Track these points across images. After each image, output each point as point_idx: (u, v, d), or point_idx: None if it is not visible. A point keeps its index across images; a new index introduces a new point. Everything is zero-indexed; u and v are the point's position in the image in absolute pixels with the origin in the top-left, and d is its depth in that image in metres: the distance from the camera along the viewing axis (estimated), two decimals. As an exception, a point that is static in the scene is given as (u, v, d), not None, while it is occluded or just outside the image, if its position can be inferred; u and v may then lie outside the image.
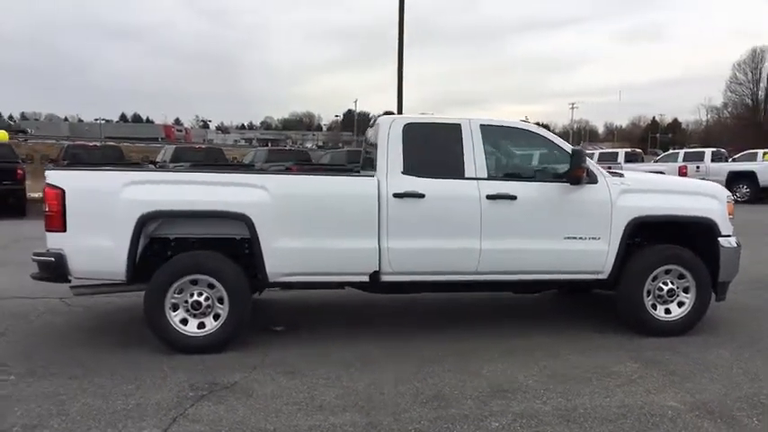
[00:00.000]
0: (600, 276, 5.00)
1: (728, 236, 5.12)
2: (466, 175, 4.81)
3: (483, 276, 4.87)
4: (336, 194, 4.67)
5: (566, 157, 4.99)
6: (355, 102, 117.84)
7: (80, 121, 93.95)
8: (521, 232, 4.83)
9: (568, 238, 4.88)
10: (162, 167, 16.60)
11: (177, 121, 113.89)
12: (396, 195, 4.66)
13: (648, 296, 5.02)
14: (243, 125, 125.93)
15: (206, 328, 4.57)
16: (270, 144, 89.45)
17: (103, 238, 4.43)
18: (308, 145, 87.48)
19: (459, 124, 4.94)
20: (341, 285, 5.07)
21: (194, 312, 4.55)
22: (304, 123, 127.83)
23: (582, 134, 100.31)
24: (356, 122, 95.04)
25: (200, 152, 17.36)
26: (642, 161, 24.68)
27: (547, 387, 3.97)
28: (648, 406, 3.66)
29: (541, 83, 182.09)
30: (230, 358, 4.48)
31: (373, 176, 4.75)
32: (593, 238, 4.90)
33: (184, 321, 4.57)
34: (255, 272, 4.69)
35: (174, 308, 4.55)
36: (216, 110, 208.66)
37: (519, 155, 5.35)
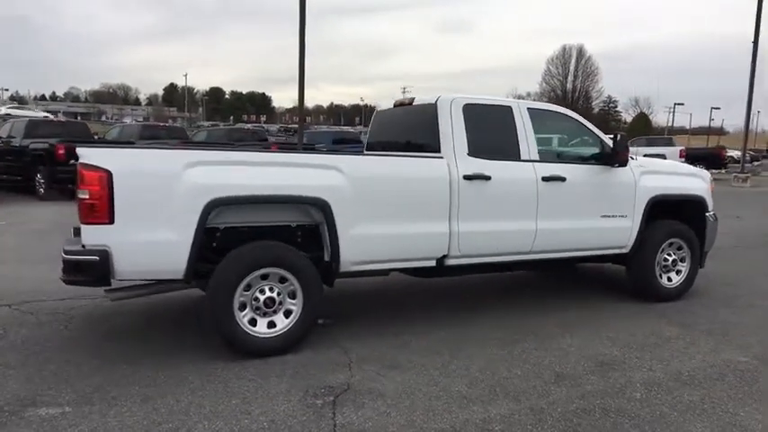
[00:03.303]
0: (623, 251, 5.45)
1: (711, 212, 5.91)
2: (522, 158, 4.89)
3: (534, 255, 5.03)
4: (412, 177, 4.44)
5: (596, 141, 5.32)
6: (185, 76, 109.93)
7: None
8: (568, 212, 5.05)
9: (604, 216, 5.24)
10: (7, 143, 14.04)
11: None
12: (466, 177, 4.58)
13: (657, 266, 5.61)
14: (44, 96, 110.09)
15: (277, 327, 4.08)
16: (80, 117, 79.74)
17: (162, 231, 3.70)
18: (127, 120, 79.86)
19: (511, 107, 4.99)
20: (388, 272, 4.88)
21: (265, 311, 4.04)
22: (119, 97, 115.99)
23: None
24: (186, 97, 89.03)
25: (60, 126, 14.87)
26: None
27: (634, 356, 4.26)
28: (732, 363, 4.14)
29: (367, 66, 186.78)
30: (309, 358, 4.06)
31: (442, 158, 4.59)
32: (621, 216, 5.32)
33: (252, 321, 4.03)
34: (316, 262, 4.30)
35: (242, 307, 3.99)
36: (5, 78, 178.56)
37: (559, 138, 5.56)
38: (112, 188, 3.56)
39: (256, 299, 4.01)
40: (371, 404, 3.39)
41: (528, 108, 5.05)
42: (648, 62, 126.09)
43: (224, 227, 4.11)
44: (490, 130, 4.89)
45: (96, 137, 17.27)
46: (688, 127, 72.33)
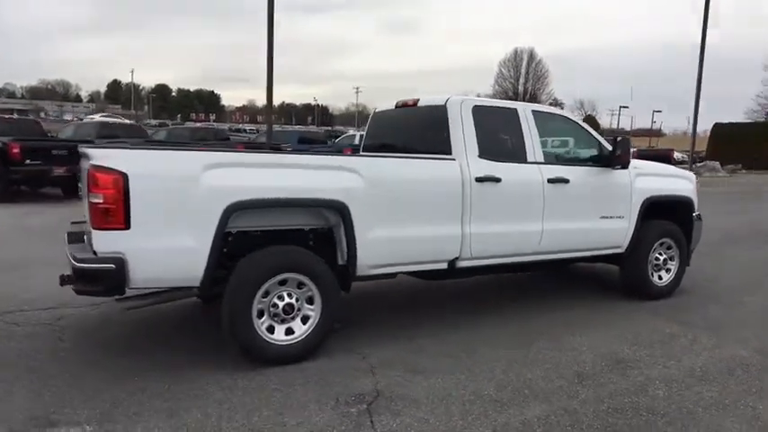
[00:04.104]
0: (619, 250, 5.58)
1: (696, 212, 6.14)
2: (528, 160, 4.93)
3: (539, 256, 5.08)
4: (428, 179, 4.40)
5: (595, 143, 5.43)
6: (131, 72, 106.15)
7: None
8: (571, 214, 5.13)
9: (603, 217, 5.35)
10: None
11: None
12: (477, 179, 4.57)
13: (649, 265, 5.77)
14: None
15: (296, 334, 3.97)
16: (16, 113, 75.71)
17: (179, 237, 3.53)
18: (68, 117, 76.36)
19: (516, 109, 5.03)
20: (395, 275, 4.83)
21: (284, 317, 3.91)
22: (58, 93, 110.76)
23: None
24: (132, 94, 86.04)
25: (12, 124, 14.02)
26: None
27: (645, 353, 4.36)
28: (736, 358, 4.29)
29: (318, 66, 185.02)
30: (328, 364, 3.97)
31: (454, 160, 4.57)
32: (619, 217, 5.45)
33: (270, 329, 3.90)
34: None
35: (260, 314, 3.85)
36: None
37: (560, 140, 5.63)
38: (128, 191, 3.36)
39: (275, 305, 3.88)
40: (408, 411, 3.33)
41: (532, 111, 5.10)
42: (593, 65, 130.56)
43: (236, 231, 3.96)
44: (498, 133, 4.92)
45: (49, 135, 16.42)
46: (629, 128, 75.21)
